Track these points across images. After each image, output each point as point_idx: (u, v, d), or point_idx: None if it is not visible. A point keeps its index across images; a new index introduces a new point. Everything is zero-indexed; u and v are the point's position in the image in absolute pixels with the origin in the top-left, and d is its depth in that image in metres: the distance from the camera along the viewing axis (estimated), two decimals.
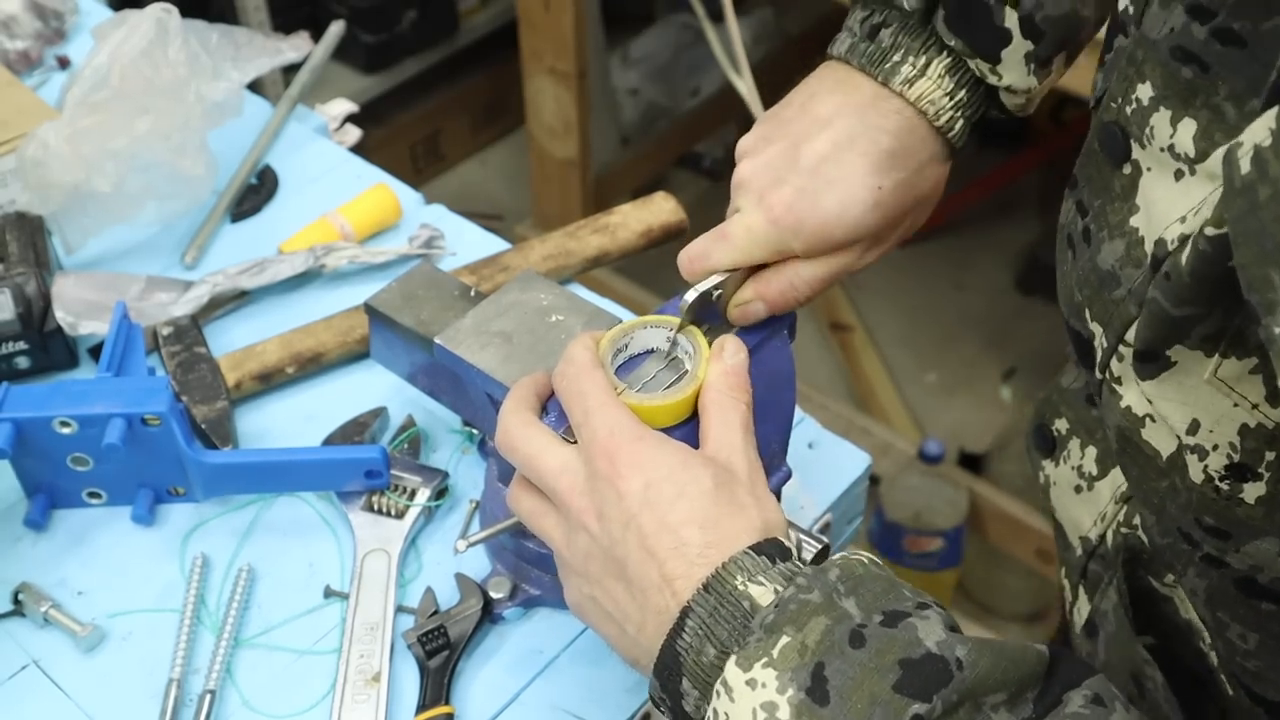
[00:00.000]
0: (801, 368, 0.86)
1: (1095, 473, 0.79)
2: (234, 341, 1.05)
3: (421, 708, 0.81)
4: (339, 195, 1.19)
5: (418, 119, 3.08)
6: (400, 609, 0.87)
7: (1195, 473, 0.61)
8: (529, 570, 0.87)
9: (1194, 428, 0.60)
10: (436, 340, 0.85)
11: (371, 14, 2.80)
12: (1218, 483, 0.60)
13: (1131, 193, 0.63)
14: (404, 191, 1.20)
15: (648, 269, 2.53)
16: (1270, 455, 0.58)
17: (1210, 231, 0.53)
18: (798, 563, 0.63)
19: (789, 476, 0.82)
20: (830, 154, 0.75)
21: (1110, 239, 0.64)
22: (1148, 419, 0.63)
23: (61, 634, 0.86)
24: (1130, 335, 0.62)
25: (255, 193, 1.21)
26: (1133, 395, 0.64)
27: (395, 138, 3.01)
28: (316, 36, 1.31)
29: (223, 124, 1.16)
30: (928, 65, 0.76)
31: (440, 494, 0.93)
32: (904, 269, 2.85)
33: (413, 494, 0.93)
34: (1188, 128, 0.58)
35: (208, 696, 0.82)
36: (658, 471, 0.65)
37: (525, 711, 0.82)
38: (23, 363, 1.02)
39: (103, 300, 1.03)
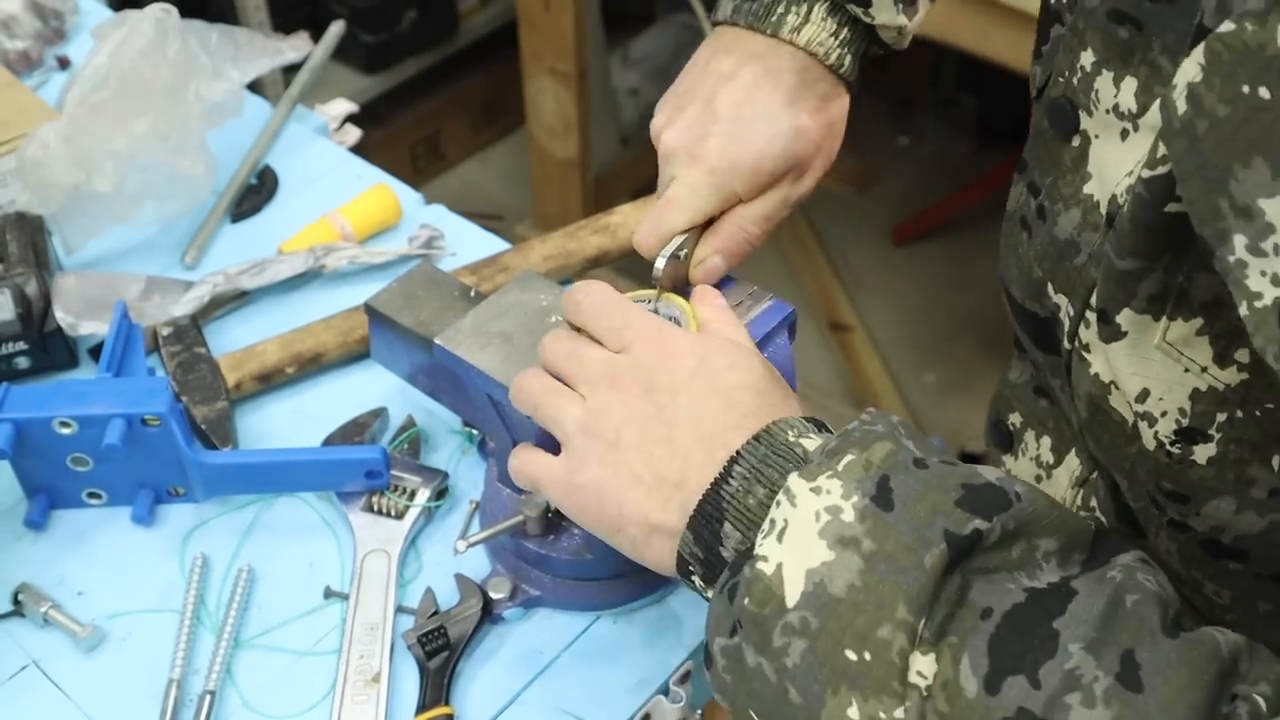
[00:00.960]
0: (801, 368, 0.86)
1: (1051, 461, 0.81)
2: (234, 341, 1.05)
3: (421, 708, 0.81)
4: (339, 195, 1.19)
5: (418, 119, 3.08)
6: (400, 609, 0.87)
7: (1147, 439, 0.63)
8: (529, 570, 0.87)
9: (1143, 396, 0.62)
10: (436, 340, 0.85)
11: (371, 14, 2.80)
12: (1169, 447, 0.62)
13: (1082, 163, 0.66)
14: (404, 191, 1.20)
15: (648, 269, 2.53)
16: (1221, 416, 0.60)
17: (1145, 174, 0.55)
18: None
19: None
20: (744, 98, 0.81)
21: (1066, 209, 0.67)
22: (1113, 385, 0.65)
23: (61, 634, 0.86)
24: (1094, 299, 0.64)
25: (255, 193, 1.21)
26: (1100, 362, 0.66)
27: (395, 138, 3.01)
28: (316, 36, 1.31)
29: (223, 124, 1.16)
30: (810, 11, 0.82)
31: (440, 494, 0.93)
32: (904, 269, 2.85)
33: (413, 494, 0.93)
34: (1129, 86, 0.61)
35: (208, 697, 0.82)
36: (710, 350, 0.69)
37: (525, 711, 0.82)
38: (23, 363, 1.02)
39: (103, 300, 1.03)
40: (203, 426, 0.96)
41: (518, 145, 3.15)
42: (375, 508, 0.92)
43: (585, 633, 0.86)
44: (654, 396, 0.68)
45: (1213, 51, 0.47)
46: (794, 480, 0.60)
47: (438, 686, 0.82)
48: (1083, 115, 0.65)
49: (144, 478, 0.92)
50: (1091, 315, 0.65)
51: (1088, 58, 0.64)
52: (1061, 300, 0.68)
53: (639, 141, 2.89)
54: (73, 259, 1.12)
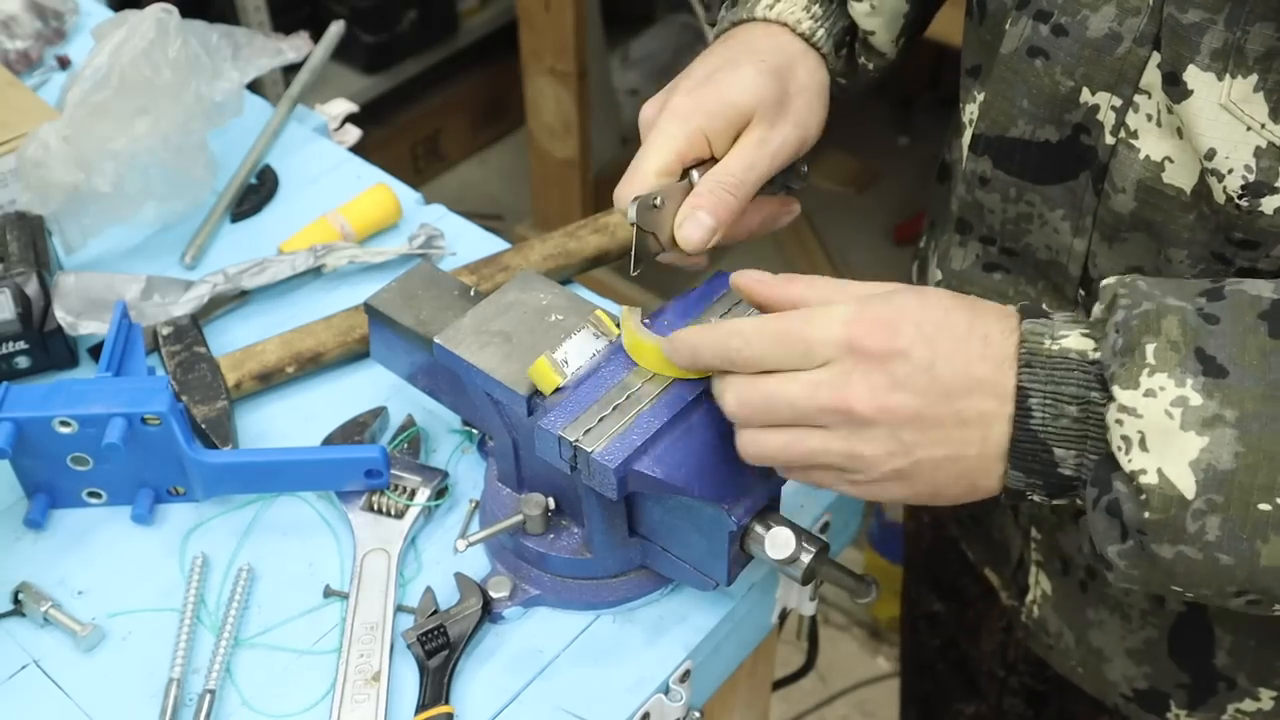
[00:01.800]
0: None
1: None
2: (234, 341, 1.05)
3: (421, 707, 0.81)
4: (339, 195, 1.19)
5: (418, 119, 3.08)
6: (400, 608, 0.87)
7: (1217, 194, 0.68)
8: (529, 569, 0.87)
9: (1210, 155, 0.67)
10: (436, 340, 0.85)
11: (371, 14, 2.80)
12: (1238, 201, 0.67)
13: None
14: (404, 191, 1.20)
15: (647, 269, 2.53)
16: None
17: None
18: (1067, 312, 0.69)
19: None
20: (716, 61, 0.86)
21: (1095, 11, 0.72)
22: (1166, 161, 0.71)
23: (61, 634, 0.86)
24: (1145, 80, 0.71)
25: (255, 193, 1.21)
26: (1150, 143, 0.72)
27: (395, 138, 3.01)
28: (316, 36, 1.31)
29: (223, 124, 1.16)
30: None
31: (440, 494, 0.93)
32: (904, 269, 2.85)
33: (413, 494, 0.93)
34: None
35: (207, 696, 0.82)
36: (909, 311, 0.68)
37: (525, 711, 0.82)
38: (23, 363, 1.02)
39: (103, 300, 1.03)
40: (203, 426, 0.96)
41: (518, 145, 3.15)
42: (375, 507, 0.92)
43: (585, 632, 0.86)
44: (910, 384, 0.66)
45: None
46: (1123, 395, 0.62)
47: (437, 685, 0.82)
48: None
49: (144, 477, 0.92)
50: (1141, 99, 0.71)
51: None
52: (1102, 98, 0.73)
53: (639, 141, 2.89)
54: (73, 259, 1.12)
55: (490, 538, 0.86)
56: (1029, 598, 0.95)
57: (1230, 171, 0.67)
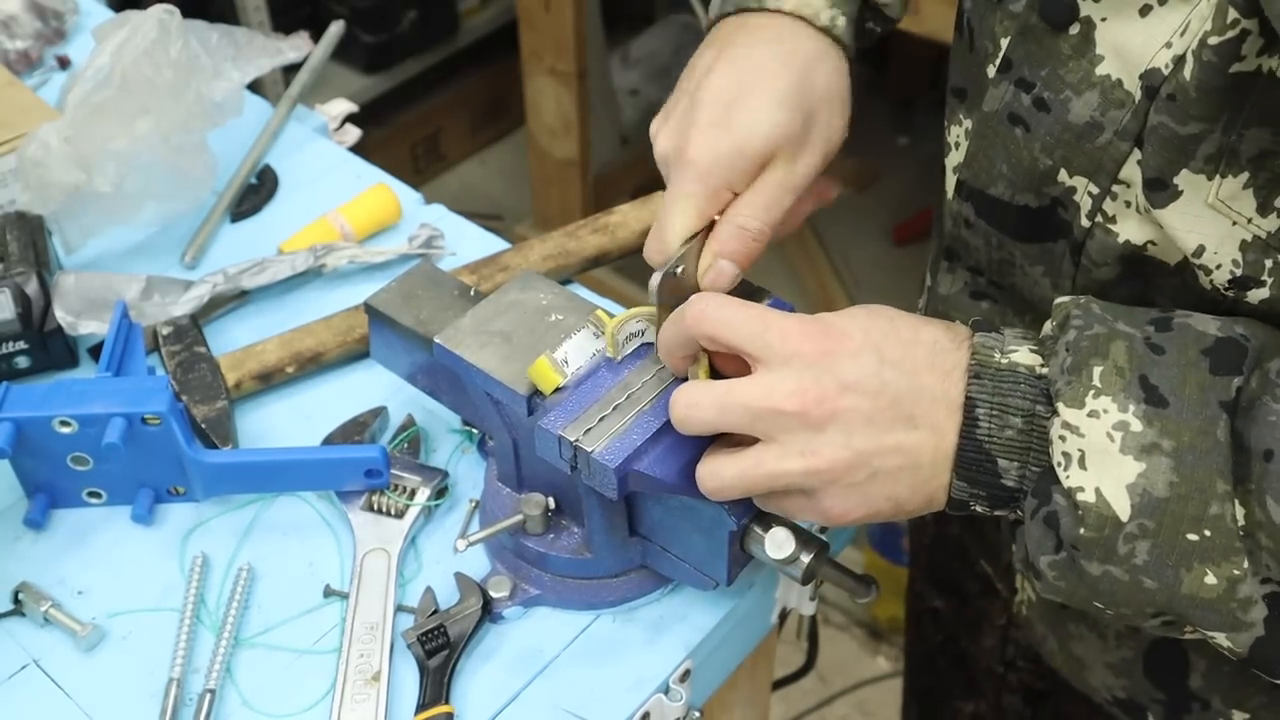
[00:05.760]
0: None
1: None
2: (234, 341, 1.05)
3: (421, 707, 0.81)
4: (339, 195, 1.19)
5: (418, 119, 3.08)
6: (400, 608, 0.87)
7: (1204, 284, 0.68)
8: (529, 569, 0.87)
9: (1199, 251, 0.67)
10: (436, 340, 0.85)
11: (371, 14, 2.80)
12: (1223, 292, 0.67)
13: (1085, 48, 0.69)
14: (404, 191, 1.20)
15: (647, 269, 2.53)
16: (1269, 263, 0.66)
17: (1213, 41, 0.60)
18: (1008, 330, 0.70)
19: None
20: (724, 85, 0.78)
21: (1078, 95, 0.70)
22: (1149, 244, 0.70)
23: (61, 633, 0.86)
24: (1124, 173, 0.69)
25: (255, 193, 1.21)
26: (1131, 229, 0.70)
27: (395, 138, 3.01)
28: (316, 36, 1.31)
29: (223, 124, 1.16)
30: None
31: (440, 493, 0.93)
32: (904, 269, 2.85)
33: (412, 493, 0.93)
34: None
35: (208, 696, 0.82)
36: (858, 319, 0.69)
37: (525, 711, 0.82)
38: (23, 362, 1.02)
39: (103, 300, 1.03)
40: (203, 426, 0.96)
41: (518, 145, 3.15)
42: (375, 507, 0.92)
43: (585, 632, 0.86)
44: (859, 389, 0.67)
45: None
46: (1067, 412, 0.64)
47: (437, 685, 0.82)
48: (1084, 2, 0.68)
49: (144, 477, 0.92)
50: (1120, 188, 0.70)
51: None
52: (1079, 182, 0.72)
53: (639, 141, 2.89)
54: (73, 259, 1.12)
55: (490, 538, 0.86)
56: (1018, 599, 0.95)
57: (1218, 267, 0.67)
